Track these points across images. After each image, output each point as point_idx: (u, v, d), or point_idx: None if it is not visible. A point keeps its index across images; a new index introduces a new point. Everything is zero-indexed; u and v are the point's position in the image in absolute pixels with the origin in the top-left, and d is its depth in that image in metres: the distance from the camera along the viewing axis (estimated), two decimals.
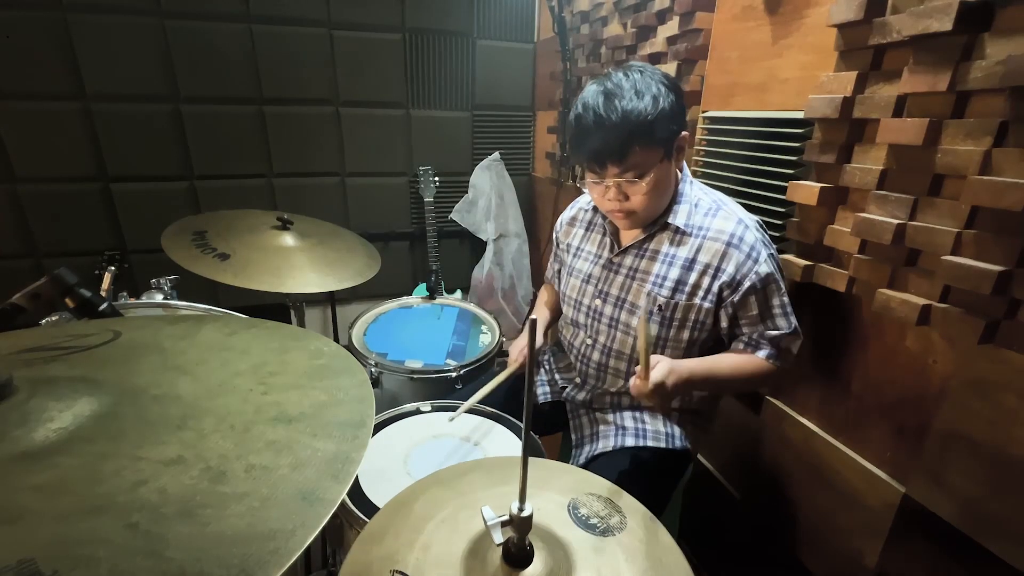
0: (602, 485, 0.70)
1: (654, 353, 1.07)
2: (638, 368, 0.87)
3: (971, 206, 0.80)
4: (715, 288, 0.99)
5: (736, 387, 1.07)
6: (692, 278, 1.00)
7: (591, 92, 0.95)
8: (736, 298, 0.98)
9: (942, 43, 0.80)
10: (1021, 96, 0.73)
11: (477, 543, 0.58)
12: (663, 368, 0.89)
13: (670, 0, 1.48)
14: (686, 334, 1.04)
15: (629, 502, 0.68)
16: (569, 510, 0.65)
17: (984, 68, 0.76)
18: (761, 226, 1.02)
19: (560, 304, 1.29)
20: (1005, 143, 0.75)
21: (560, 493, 0.68)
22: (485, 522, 0.55)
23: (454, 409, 1.16)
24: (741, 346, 1.04)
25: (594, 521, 0.64)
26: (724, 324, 1.02)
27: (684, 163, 1.05)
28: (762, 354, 1.01)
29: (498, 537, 0.54)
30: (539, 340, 1.23)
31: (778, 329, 0.99)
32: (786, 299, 1.00)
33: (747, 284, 0.97)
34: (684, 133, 0.98)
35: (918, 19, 0.81)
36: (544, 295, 1.42)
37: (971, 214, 0.80)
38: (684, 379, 0.93)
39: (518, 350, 1.23)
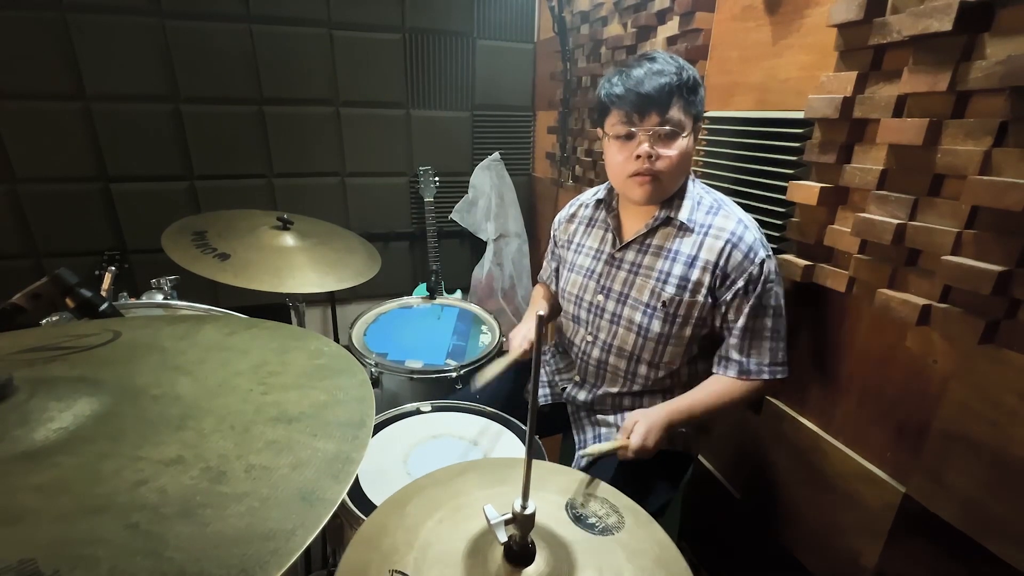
0: (598, 486, 0.70)
1: (654, 351, 1.07)
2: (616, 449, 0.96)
3: (971, 206, 0.80)
4: (712, 284, 1.00)
5: (724, 413, 1.06)
6: (695, 275, 1.00)
7: (635, 60, 0.99)
8: (727, 296, 0.99)
9: (942, 43, 0.80)
10: (1021, 96, 0.73)
11: (477, 542, 0.58)
12: (640, 431, 0.96)
13: (670, 0, 1.48)
14: (688, 330, 1.04)
15: (626, 502, 0.68)
16: (567, 510, 0.65)
17: (984, 68, 0.76)
18: (758, 228, 1.03)
19: (556, 302, 1.29)
20: (1005, 143, 0.75)
21: (557, 494, 0.68)
22: (488, 520, 0.55)
23: (454, 409, 1.17)
24: (715, 367, 1.06)
25: (592, 520, 0.64)
26: (717, 323, 1.03)
27: None
28: (732, 372, 1.03)
29: (502, 535, 0.54)
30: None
31: (760, 332, 1.00)
32: (774, 300, 0.99)
33: (740, 283, 0.97)
34: (700, 124, 1.01)
35: (918, 19, 0.81)
36: (540, 291, 1.41)
37: (971, 214, 0.80)
38: (664, 428, 0.98)
39: (520, 336, 1.20)
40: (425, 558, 0.56)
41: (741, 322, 0.99)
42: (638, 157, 0.97)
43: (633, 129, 0.97)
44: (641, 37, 1.63)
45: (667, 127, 0.95)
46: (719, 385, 1.04)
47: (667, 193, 1.03)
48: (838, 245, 1.03)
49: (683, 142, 0.97)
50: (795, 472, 1.24)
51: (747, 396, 1.03)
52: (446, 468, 0.72)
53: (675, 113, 0.95)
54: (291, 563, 0.37)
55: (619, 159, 1.01)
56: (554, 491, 0.68)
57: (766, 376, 1.01)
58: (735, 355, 1.02)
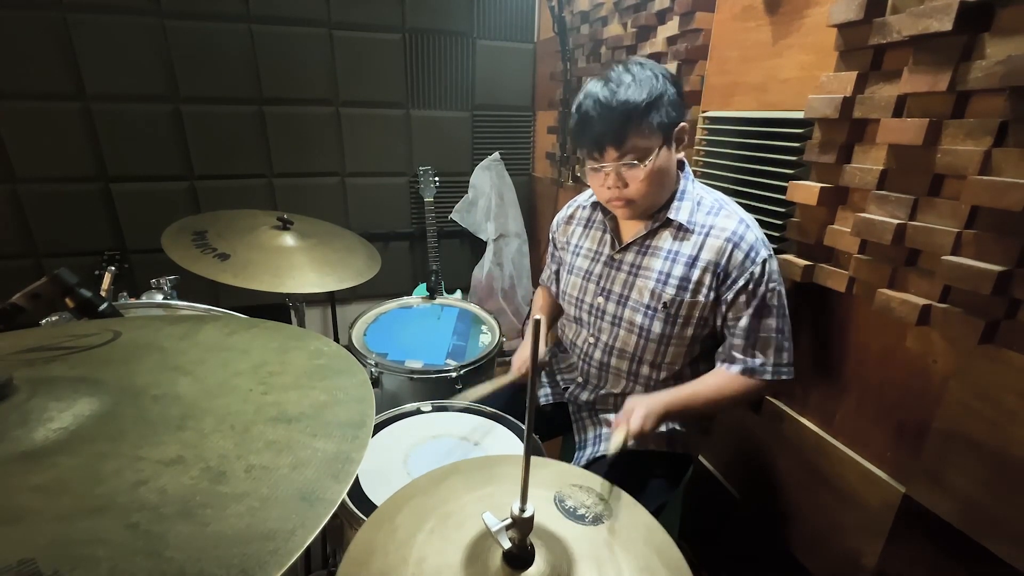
0: (582, 475, 0.70)
1: (656, 351, 1.07)
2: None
3: (971, 206, 0.80)
4: (714, 284, 0.99)
5: (722, 407, 1.07)
6: (695, 275, 1.00)
7: (593, 84, 0.98)
8: (729, 296, 0.99)
9: (942, 43, 0.80)
10: (1021, 96, 0.73)
11: (473, 549, 0.57)
12: (638, 417, 0.94)
13: (670, 0, 1.48)
14: (689, 331, 1.04)
15: (610, 489, 0.68)
16: (556, 503, 0.65)
17: (984, 68, 0.76)
18: (759, 228, 1.02)
19: (557, 306, 1.29)
20: (1005, 143, 0.75)
21: (543, 488, 0.67)
22: (489, 529, 0.54)
23: (453, 410, 1.16)
24: (719, 363, 1.05)
25: (582, 512, 0.63)
26: (718, 322, 1.03)
27: (686, 162, 1.06)
28: (736, 369, 1.02)
29: (506, 542, 0.54)
30: (541, 348, 1.22)
31: (766, 331, 0.99)
32: (777, 300, 0.99)
33: (741, 282, 0.97)
34: (684, 124, 0.98)
35: (918, 19, 0.81)
36: (539, 299, 1.41)
37: (971, 214, 0.80)
38: (660, 415, 0.97)
39: (522, 360, 1.22)
40: (422, 573, 0.54)
41: (744, 322, 0.99)
42: (608, 188, 0.99)
43: (596, 165, 0.98)
44: (641, 37, 1.63)
45: (627, 158, 0.95)
46: (721, 379, 1.03)
47: (650, 209, 1.03)
48: (838, 245, 1.03)
49: (652, 162, 0.95)
50: (795, 472, 1.24)
51: (748, 393, 1.03)
52: (428, 474, 0.70)
53: (633, 142, 0.93)
54: (291, 563, 0.37)
55: (595, 185, 1.03)
56: (538, 485, 0.67)
57: (769, 376, 1.01)
58: (739, 354, 1.01)
